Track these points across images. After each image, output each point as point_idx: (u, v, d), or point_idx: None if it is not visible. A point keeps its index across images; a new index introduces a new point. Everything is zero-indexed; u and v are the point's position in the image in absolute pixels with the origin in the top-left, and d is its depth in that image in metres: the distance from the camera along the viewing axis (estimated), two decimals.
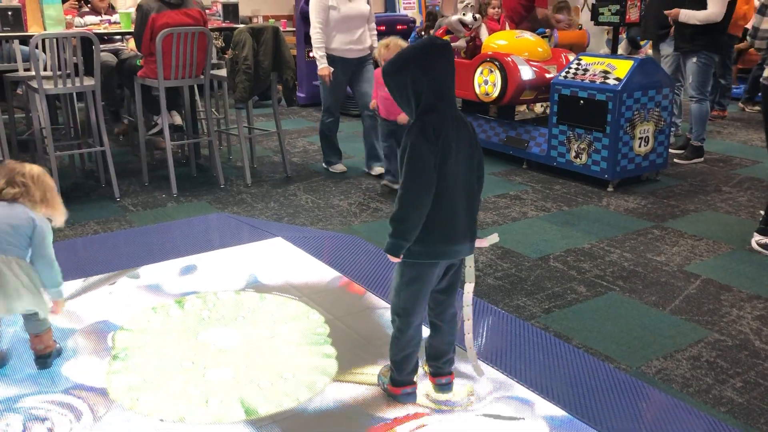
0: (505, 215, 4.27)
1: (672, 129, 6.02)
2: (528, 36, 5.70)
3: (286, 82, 5.02)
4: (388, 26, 7.46)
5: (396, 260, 2.08)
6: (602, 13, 4.98)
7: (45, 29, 4.46)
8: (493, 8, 6.51)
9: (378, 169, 5.10)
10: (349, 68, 4.94)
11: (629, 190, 4.77)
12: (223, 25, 5.60)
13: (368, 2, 4.96)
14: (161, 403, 2.30)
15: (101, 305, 2.99)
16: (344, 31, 4.82)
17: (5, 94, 4.99)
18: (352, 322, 2.86)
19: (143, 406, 2.28)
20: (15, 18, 4.35)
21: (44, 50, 4.82)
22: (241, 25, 5.02)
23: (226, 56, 5.42)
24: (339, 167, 5.26)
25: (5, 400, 2.30)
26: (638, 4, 4.84)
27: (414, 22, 8.31)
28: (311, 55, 7.64)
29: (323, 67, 4.83)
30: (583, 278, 3.34)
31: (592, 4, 5.12)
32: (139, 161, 5.07)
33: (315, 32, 4.79)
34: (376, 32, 5.04)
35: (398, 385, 2.27)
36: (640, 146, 4.75)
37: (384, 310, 2.94)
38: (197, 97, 5.64)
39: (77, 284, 3.19)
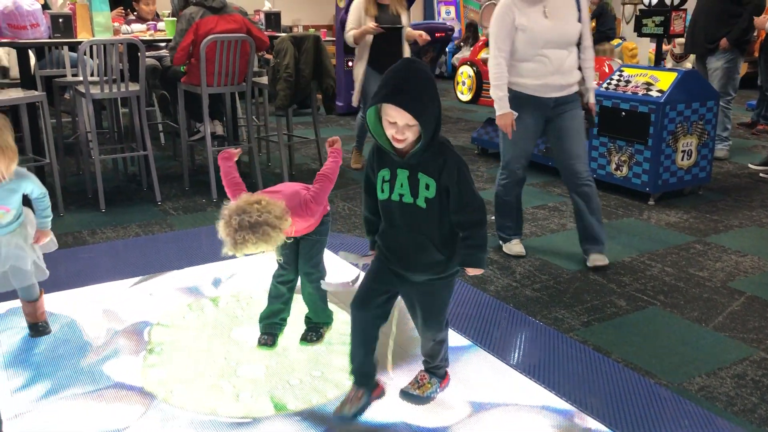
0: (543, 227, 4.23)
1: (725, 144, 5.92)
2: None
3: (326, 90, 5.07)
4: (426, 33, 7.47)
5: (480, 272, 2.11)
6: (646, 25, 4.92)
7: (93, 36, 4.58)
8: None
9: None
10: (543, 111, 3.50)
11: (671, 204, 4.68)
12: (266, 33, 5.66)
13: (580, 18, 3.44)
14: (194, 396, 2.34)
15: (141, 306, 3.04)
16: (537, 59, 3.39)
17: (53, 99, 5.13)
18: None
19: (177, 399, 2.33)
20: (66, 25, 4.47)
21: (92, 56, 4.94)
22: (283, 34, 5.09)
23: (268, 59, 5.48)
24: (516, 247, 3.76)
25: (46, 397, 2.35)
26: (683, 15, 4.77)
27: (452, 30, 8.31)
28: (350, 64, 7.77)
29: (504, 113, 3.43)
30: (623, 292, 3.28)
31: (636, 16, 5.07)
32: (180, 166, 5.15)
33: (494, 63, 3.41)
34: (592, 61, 3.56)
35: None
36: (682, 159, 4.67)
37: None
38: (238, 104, 5.71)
39: (119, 285, 3.25)
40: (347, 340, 2.70)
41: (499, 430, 2.20)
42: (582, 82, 3.54)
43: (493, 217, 3.82)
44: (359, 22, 5.07)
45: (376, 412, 2.26)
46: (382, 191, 2.05)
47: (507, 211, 3.74)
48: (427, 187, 1.99)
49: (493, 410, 2.30)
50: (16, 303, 2.87)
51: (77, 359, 2.58)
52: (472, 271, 2.08)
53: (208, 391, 2.38)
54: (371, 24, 5.00)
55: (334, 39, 7.91)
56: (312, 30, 8.03)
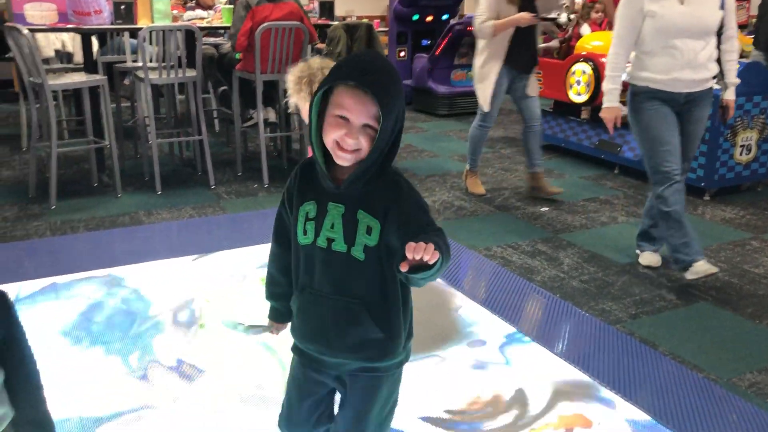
0: (593, 219, 4.17)
1: None
2: None
3: None
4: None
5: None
6: None
7: (153, 22, 4.71)
8: (597, 12, 6.40)
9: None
10: (673, 105, 3.13)
11: (727, 200, 4.56)
12: (319, 21, 5.73)
13: (723, 4, 3.08)
14: (241, 371, 2.41)
15: (193, 283, 3.13)
16: (666, 51, 3.04)
17: (114, 84, 5.29)
18: (427, 314, 2.88)
19: (225, 374, 2.39)
20: (127, 11, 4.60)
21: (151, 43, 5.08)
22: (336, 22, 5.13)
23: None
24: (702, 267, 3.05)
25: (100, 365, 2.45)
26: (747, 5, 4.62)
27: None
28: (401, 54, 7.80)
29: (610, 107, 3.18)
30: (673, 286, 3.22)
31: None
32: (233, 152, 5.26)
33: (613, 53, 3.14)
34: (736, 53, 3.24)
35: None
36: (741, 154, 4.53)
37: (458, 307, 2.94)
38: None
39: (172, 263, 3.36)
40: None
41: (543, 417, 2.20)
42: (720, 76, 3.22)
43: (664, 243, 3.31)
44: (496, 11, 4.16)
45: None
46: (304, 233, 1.40)
47: (678, 226, 3.09)
48: (369, 231, 1.35)
49: (536, 396, 2.30)
50: (81, 275, 2.99)
51: (132, 330, 2.68)
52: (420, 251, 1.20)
53: (255, 367, 2.45)
54: (525, 14, 4.12)
55: (387, 29, 7.94)
56: (365, 21, 8.08)
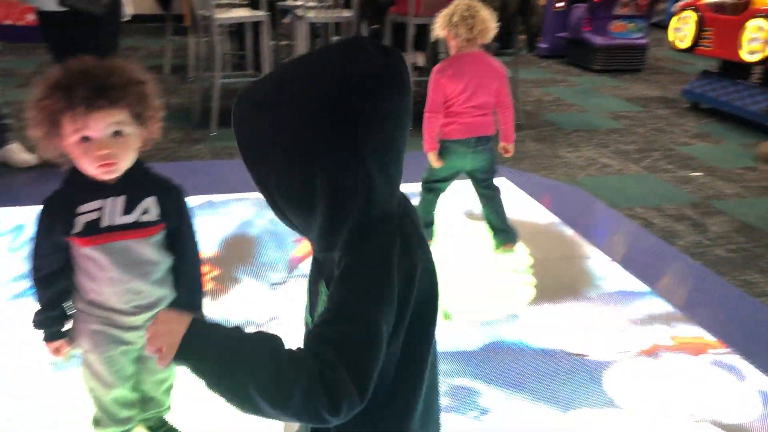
0: (749, 189, 3.90)
1: None
2: None
3: (531, 28, 4.98)
4: None
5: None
6: None
7: None
8: None
9: None
10: None
11: None
12: None
13: None
14: None
15: None
16: None
17: (275, 22, 5.55)
18: (559, 264, 2.87)
19: None
20: None
21: None
22: None
23: None
24: None
25: (243, 279, 2.68)
26: None
27: None
28: (558, 5, 7.50)
29: None
30: None
31: None
32: None
33: None
34: None
35: None
36: None
37: (591, 260, 2.90)
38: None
39: None
40: (520, 269, 2.78)
41: (673, 380, 2.16)
42: None
43: None
44: None
45: (532, 322, 2.32)
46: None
47: None
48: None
49: (665, 358, 2.25)
50: (235, 195, 3.24)
51: (272, 251, 2.90)
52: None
53: None
54: None
55: None
56: None
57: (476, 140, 2.69)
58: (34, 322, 1.47)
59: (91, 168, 1.34)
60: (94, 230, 1.36)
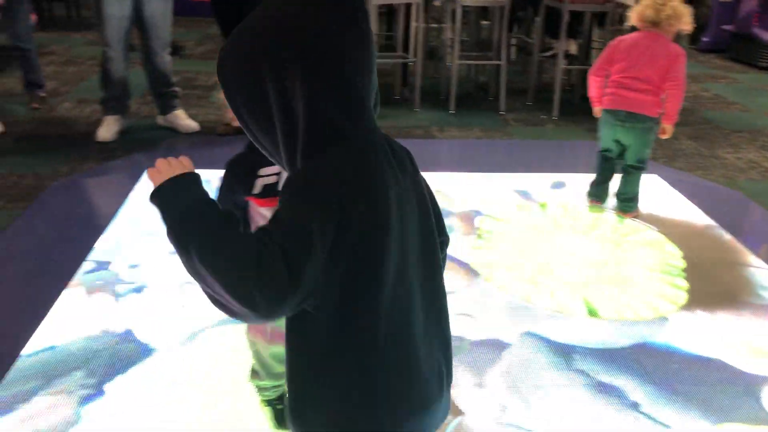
0: None
1: None
2: None
3: (697, 18, 4.68)
4: None
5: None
6: None
7: None
8: None
9: None
10: None
11: None
12: None
13: None
14: (512, 283, 2.54)
15: (475, 196, 3.29)
16: None
17: (427, 5, 5.56)
18: (714, 269, 2.70)
19: (496, 281, 2.56)
20: None
21: None
22: None
23: None
24: None
25: None
26: None
27: None
28: None
29: None
30: None
31: None
32: (527, 81, 5.28)
33: None
34: None
35: None
36: None
37: (751, 268, 2.71)
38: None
39: (462, 176, 3.56)
40: (671, 271, 2.69)
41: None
42: None
43: None
44: None
45: (680, 326, 2.21)
46: None
47: None
48: None
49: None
50: None
51: None
52: None
53: (525, 282, 2.55)
54: None
55: None
56: None
57: (626, 114, 2.81)
58: None
59: None
60: (271, 192, 1.45)
